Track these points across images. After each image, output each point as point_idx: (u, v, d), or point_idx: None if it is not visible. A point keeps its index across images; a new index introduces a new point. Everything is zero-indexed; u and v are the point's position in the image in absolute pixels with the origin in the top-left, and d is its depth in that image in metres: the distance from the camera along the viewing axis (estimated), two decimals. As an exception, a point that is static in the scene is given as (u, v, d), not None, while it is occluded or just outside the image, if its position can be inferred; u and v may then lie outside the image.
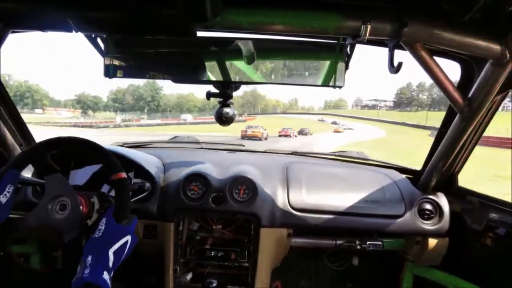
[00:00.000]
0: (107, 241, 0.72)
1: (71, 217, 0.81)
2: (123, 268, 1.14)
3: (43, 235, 0.88)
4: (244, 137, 19.36)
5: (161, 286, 1.19)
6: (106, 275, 0.66)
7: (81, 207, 0.82)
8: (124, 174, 0.83)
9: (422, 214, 1.23)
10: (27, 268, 0.82)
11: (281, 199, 1.23)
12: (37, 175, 1.17)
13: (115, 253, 0.70)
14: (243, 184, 1.22)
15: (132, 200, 1.08)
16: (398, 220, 1.22)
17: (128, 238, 0.74)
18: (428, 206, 1.24)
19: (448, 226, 1.23)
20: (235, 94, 1.07)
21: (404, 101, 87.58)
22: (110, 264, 0.69)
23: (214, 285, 1.17)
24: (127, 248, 0.74)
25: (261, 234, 1.18)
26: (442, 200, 1.26)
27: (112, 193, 0.89)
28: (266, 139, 20.69)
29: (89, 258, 0.68)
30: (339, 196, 1.26)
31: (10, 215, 0.80)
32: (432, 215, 1.23)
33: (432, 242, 1.24)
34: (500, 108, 1.11)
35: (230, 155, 1.58)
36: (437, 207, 1.24)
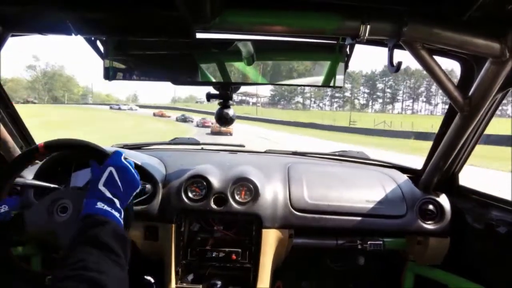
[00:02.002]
0: (93, 182, 0.72)
1: (72, 219, 0.81)
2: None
3: (43, 237, 0.88)
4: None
5: (162, 287, 1.19)
6: (101, 205, 0.67)
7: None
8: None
9: (424, 214, 1.23)
10: (28, 271, 0.82)
11: (282, 200, 1.23)
12: (38, 176, 1.18)
13: (105, 185, 0.70)
14: (245, 185, 1.22)
15: (133, 201, 1.08)
16: (400, 220, 1.22)
17: (110, 168, 0.72)
18: (429, 206, 1.24)
19: (449, 226, 1.23)
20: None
21: (284, 97, 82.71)
22: (108, 195, 0.69)
23: (219, 286, 1.16)
24: (116, 177, 0.72)
25: (262, 235, 1.17)
26: (443, 200, 1.25)
27: None
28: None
29: (84, 202, 0.69)
30: (340, 196, 1.25)
31: (18, 204, 0.81)
32: (433, 215, 1.23)
33: (433, 242, 1.24)
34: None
35: (231, 156, 1.58)
36: (439, 207, 1.24)
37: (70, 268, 0.54)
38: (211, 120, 28.06)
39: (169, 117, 41.15)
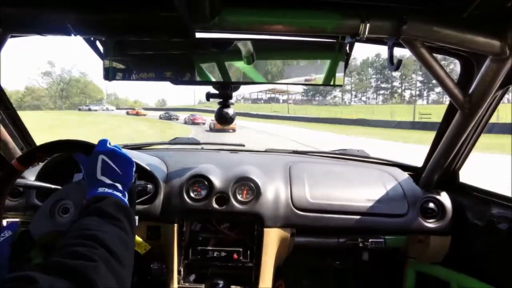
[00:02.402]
0: (89, 174, 0.71)
1: (74, 219, 0.81)
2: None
3: (46, 239, 0.88)
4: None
5: (164, 287, 1.19)
6: (102, 189, 0.67)
7: None
8: None
9: (425, 213, 1.23)
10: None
11: (284, 199, 1.23)
12: (40, 177, 1.18)
13: (103, 173, 0.69)
14: (246, 185, 1.22)
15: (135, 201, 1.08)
16: (401, 219, 1.22)
17: (101, 156, 0.71)
18: (430, 205, 1.24)
19: (451, 224, 1.23)
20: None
21: (320, 92, 69.63)
22: (108, 182, 0.69)
23: (221, 285, 1.17)
24: (110, 162, 0.71)
25: (264, 234, 1.18)
26: (445, 198, 1.25)
27: None
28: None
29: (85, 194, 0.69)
30: (342, 195, 1.26)
31: (19, 225, 0.81)
32: (434, 214, 1.23)
33: (435, 240, 1.24)
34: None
35: (231, 155, 1.58)
36: (440, 205, 1.24)
37: (73, 232, 0.55)
38: (202, 116, 27.71)
39: (144, 115, 39.88)
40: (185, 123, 27.37)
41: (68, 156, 1.20)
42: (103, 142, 0.75)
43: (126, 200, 0.69)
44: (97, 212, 0.60)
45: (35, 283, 0.39)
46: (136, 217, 0.80)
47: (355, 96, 76.21)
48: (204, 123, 25.15)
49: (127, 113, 41.81)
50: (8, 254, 0.76)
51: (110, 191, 0.67)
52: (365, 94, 74.74)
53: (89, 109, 47.47)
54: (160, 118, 34.14)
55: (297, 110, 49.11)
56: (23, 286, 0.39)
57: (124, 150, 0.76)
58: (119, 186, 0.70)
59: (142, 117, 37.93)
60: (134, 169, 0.76)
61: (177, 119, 32.28)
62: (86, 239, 0.52)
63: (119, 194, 0.68)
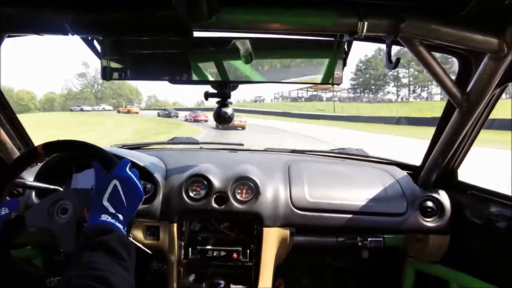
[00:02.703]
0: (97, 193, 0.71)
1: (72, 221, 0.81)
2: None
3: (43, 238, 0.88)
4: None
5: (164, 287, 1.19)
6: (105, 217, 0.67)
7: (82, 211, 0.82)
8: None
9: (424, 211, 1.23)
10: (28, 272, 0.82)
11: (283, 199, 1.23)
12: (38, 178, 1.18)
13: (109, 200, 0.69)
14: (245, 184, 1.22)
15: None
16: (400, 218, 1.22)
17: (115, 182, 0.71)
18: (429, 204, 1.24)
19: (449, 223, 1.23)
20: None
21: (369, 87, 56.89)
22: (112, 211, 0.69)
23: (222, 285, 1.17)
24: (120, 191, 0.71)
25: (264, 234, 1.18)
26: (444, 197, 1.26)
27: None
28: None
29: (88, 215, 0.69)
30: (341, 194, 1.26)
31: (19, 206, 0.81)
32: (433, 213, 1.23)
33: (433, 239, 1.24)
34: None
35: (230, 154, 1.58)
36: (439, 204, 1.24)
37: (81, 268, 0.55)
38: (205, 113, 27.06)
39: (136, 113, 38.49)
40: (186, 120, 26.89)
41: (67, 157, 1.20)
42: (123, 165, 0.75)
43: (125, 233, 0.69)
44: (103, 247, 0.60)
45: None
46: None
47: (413, 91, 58.99)
48: (206, 120, 24.79)
49: (118, 111, 40.65)
50: None
51: (112, 221, 0.67)
52: (426, 88, 57.19)
53: (81, 110, 45.64)
54: (159, 115, 33.27)
55: (345, 108, 39.30)
56: None
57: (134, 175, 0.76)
58: (121, 217, 0.70)
59: (134, 114, 36.79)
60: (141, 202, 0.76)
61: (176, 117, 31.71)
62: (96, 282, 0.52)
63: (120, 226, 0.68)
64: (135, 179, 0.75)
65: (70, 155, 1.19)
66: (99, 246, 0.60)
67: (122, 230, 0.68)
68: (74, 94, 65.77)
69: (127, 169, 0.75)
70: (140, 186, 0.75)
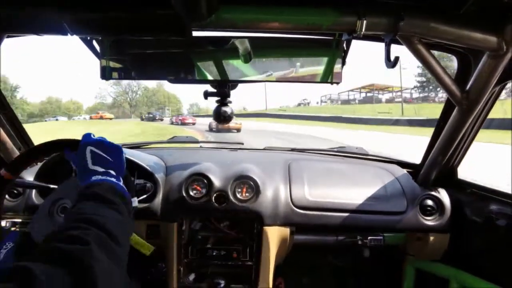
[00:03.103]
0: (81, 165, 0.71)
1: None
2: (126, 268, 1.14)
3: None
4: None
5: (164, 287, 1.19)
6: (96, 177, 0.67)
7: None
8: None
9: (424, 210, 1.23)
10: None
11: (283, 198, 1.23)
12: (39, 177, 1.18)
13: (95, 163, 0.70)
14: (246, 183, 1.22)
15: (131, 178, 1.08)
16: (400, 216, 1.22)
17: (89, 147, 0.72)
18: (429, 202, 1.24)
19: (449, 222, 1.23)
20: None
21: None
22: (101, 170, 0.69)
23: (222, 285, 1.17)
24: (99, 152, 0.71)
25: (264, 233, 1.18)
26: (444, 196, 1.26)
27: None
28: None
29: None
30: (341, 193, 1.26)
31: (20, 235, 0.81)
32: (433, 211, 1.23)
33: (434, 237, 1.24)
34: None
35: (230, 153, 1.58)
36: (439, 203, 1.24)
37: (68, 216, 0.56)
38: (192, 116, 26.41)
39: (110, 119, 36.83)
40: (172, 123, 26.22)
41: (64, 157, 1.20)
42: (87, 135, 0.75)
43: (121, 184, 0.70)
44: (93, 196, 0.61)
45: (31, 274, 0.39)
46: (135, 199, 0.80)
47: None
48: (194, 123, 24.25)
49: (90, 118, 39.44)
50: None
51: (104, 177, 0.67)
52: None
53: (56, 119, 42.89)
54: (142, 119, 32.16)
55: (418, 109, 28.61)
56: (20, 278, 0.39)
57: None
58: (113, 172, 0.70)
59: (108, 120, 34.76)
60: (124, 155, 0.76)
61: (161, 120, 30.96)
62: (80, 222, 0.52)
63: (114, 180, 0.68)
64: (105, 139, 0.76)
65: (42, 160, 1.19)
66: (88, 197, 0.60)
67: (117, 182, 0.68)
68: (112, 102, 64.84)
69: (92, 136, 0.76)
70: (114, 143, 0.76)
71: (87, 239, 0.48)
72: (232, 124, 17.34)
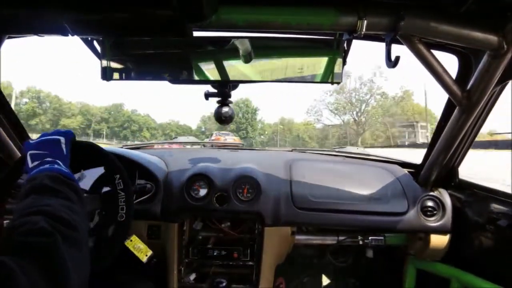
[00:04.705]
0: (26, 169, 0.73)
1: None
2: (125, 268, 1.14)
3: None
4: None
5: (164, 287, 1.19)
6: (32, 171, 0.69)
7: None
8: None
9: (425, 211, 1.23)
10: None
11: (285, 198, 1.22)
12: None
13: (33, 161, 0.71)
14: (247, 183, 1.22)
15: (136, 201, 1.08)
16: (401, 217, 1.22)
17: (28, 152, 0.73)
18: (430, 203, 1.24)
19: (451, 222, 1.23)
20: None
21: None
22: (36, 163, 0.70)
23: (224, 284, 1.17)
24: (36, 152, 0.73)
25: (265, 233, 1.18)
26: (445, 196, 1.25)
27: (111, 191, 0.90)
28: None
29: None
30: (343, 194, 1.25)
31: None
32: (434, 212, 1.23)
33: (435, 238, 1.24)
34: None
35: (231, 153, 1.58)
36: (440, 203, 1.24)
37: (17, 213, 0.55)
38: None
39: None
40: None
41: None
42: (26, 143, 0.77)
43: (59, 167, 0.70)
44: (34, 190, 0.61)
45: (6, 267, 0.40)
46: (82, 172, 0.82)
47: None
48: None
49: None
50: None
51: (39, 168, 0.68)
52: None
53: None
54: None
55: None
56: None
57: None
58: (48, 159, 0.71)
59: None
60: (63, 141, 0.77)
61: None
62: (30, 215, 0.52)
63: (48, 165, 0.69)
64: (43, 136, 0.77)
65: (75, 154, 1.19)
66: (28, 193, 0.61)
67: (52, 166, 0.69)
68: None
69: (30, 141, 0.77)
70: (50, 136, 0.77)
71: (47, 229, 0.49)
72: (230, 139, 16.36)
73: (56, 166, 0.70)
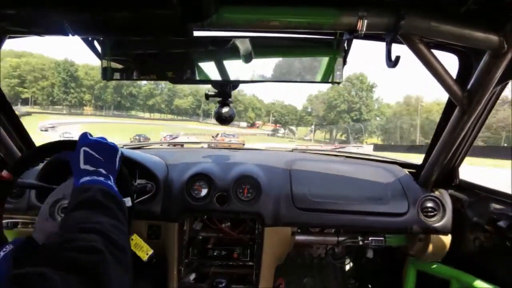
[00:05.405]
0: (74, 165, 0.72)
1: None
2: None
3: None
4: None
5: (164, 287, 1.19)
6: (85, 178, 0.69)
7: None
8: None
9: (425, 211, 1.23)
10: None
11: (285, 198, 1.22)
12: (40, 178, 1.18)
13: (86, 163, 0.71)
14: (247, 183, 1.21)
15: (136, 201, 1.08)
16: (402, 218, 1.22)
17: (83, 148, 0.73)
18: (431, 204, 1.24)
19: (451, 223, 1.22)
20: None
21: None
22: (91, 169, 0.70)
23: (224, 284, 1.17)
24: (92, 152, 0.73)
25: (265, 233, 1.18)
26: (445, 196, 1.25)
27: None
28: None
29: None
30: (343, 194, 1.25)
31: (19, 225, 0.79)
32: (435, 212, 1.23)
33: (435, 239, 1.24)
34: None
35: (232, 154, 1.57)
36: (440, 204, 1.23)
37: (68, 226, 0.56)
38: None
39: None
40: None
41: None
42: (83, 135, 0.77)
43: (111, 183, 0.70)
44: (87, 204, 0.61)
45: (48, 279, 0.39)
46: (128, 199, 0.81)
47: None
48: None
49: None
50: (6, 272, 0.75)
51: (93, 177, 0.68)
52: None
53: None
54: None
55: None
56: (35, 283, 0.38)
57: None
58: (103, 171, 0.71)
59: None
60: (119, 155, 0.77)
61: None
62: (85, 232, 0.53)
63: (102, 179, 0.69)
64: (100, 139, 0.77)
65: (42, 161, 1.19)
66: (82, 204, 0.61)
67: (106, 182, 0.69)
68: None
69: (89, 136, 0.77)
70: (110, 143, 0.77)
71: (101, 248, 0.49)
72: (234, 140, 16.73)
73: (109, 182, 0.70)
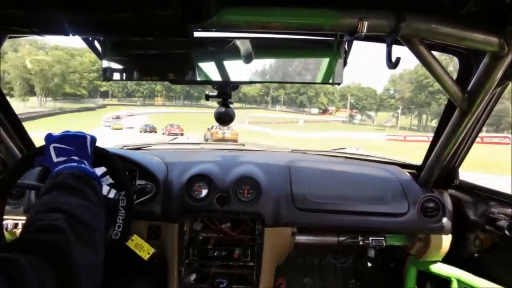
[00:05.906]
0: (48, 163, 0.73)
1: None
2: (126, 268, 1.14)
3: None
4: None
5: (164, 287, 1.19)
6: (58, 168, 0.70)
7: None
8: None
9: (425, 211, 1.23)
10: None
11: (285, 199, 1.22)
12: (39, 178, 1.18)
13: (58, 156, 0.72)
14: (247, 184, 1.21)
15: (136, 201, 1.08)
16: (402, 218, 1.22)
17: (52, 145, 0.75)
18: (431, 204, 1.24)
19: (451, 223, 1.22)
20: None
21: None
22: (63, 159, 0.72)
23: (224, 285, 1.17)
24: (61, 145, 0.74)
25: (265, 234, 1.18)
26: (445, 196, 1.25)
27: (111, 195, 0.90)
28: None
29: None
30: (343, 195, 1.25)
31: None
32: (435, 213, 1.23)
33: (435, 239, 1.24)
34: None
35: (232, 154, 1.58)
36: (440, 204, 1.24)
37: (36, 208, 0.56)
38: (180, 126, 23.81)
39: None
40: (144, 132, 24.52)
41: None
42: (48, 135, 0.78)
43: (85, 166, 0.71)
44: (56, 187, 0.62)
45: (14, 262, 0.40)
46: (107, 178, 0.83)
47: None
48: (182, 134, 22.05)
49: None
50: None
51: (65, 165, 0.69)
52: None
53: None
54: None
55: None
56: (5, 267, 0.39)
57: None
58: (75, 158, 0.72)
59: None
60: (89, 141, 0.78)
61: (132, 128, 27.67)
62: (48, 212, 0.53)
63: (75, 164, 0.70)
64: (66, 132, 0.78)
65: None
66: (50, 189, 0.61)
67: (79, 165, 0.70)
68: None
69: (53, 134, 0.78)
70: (77, 132, 0.79)
71: (63, 227, 0.49)
72: (228, 134, 17.09)
73: (82, 165, 0.71)
